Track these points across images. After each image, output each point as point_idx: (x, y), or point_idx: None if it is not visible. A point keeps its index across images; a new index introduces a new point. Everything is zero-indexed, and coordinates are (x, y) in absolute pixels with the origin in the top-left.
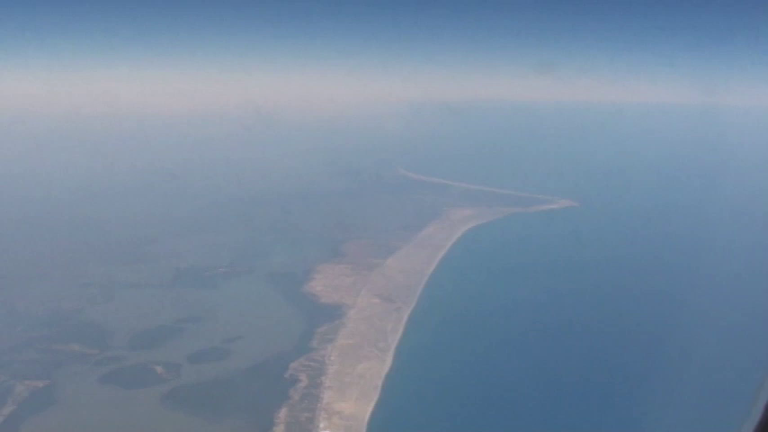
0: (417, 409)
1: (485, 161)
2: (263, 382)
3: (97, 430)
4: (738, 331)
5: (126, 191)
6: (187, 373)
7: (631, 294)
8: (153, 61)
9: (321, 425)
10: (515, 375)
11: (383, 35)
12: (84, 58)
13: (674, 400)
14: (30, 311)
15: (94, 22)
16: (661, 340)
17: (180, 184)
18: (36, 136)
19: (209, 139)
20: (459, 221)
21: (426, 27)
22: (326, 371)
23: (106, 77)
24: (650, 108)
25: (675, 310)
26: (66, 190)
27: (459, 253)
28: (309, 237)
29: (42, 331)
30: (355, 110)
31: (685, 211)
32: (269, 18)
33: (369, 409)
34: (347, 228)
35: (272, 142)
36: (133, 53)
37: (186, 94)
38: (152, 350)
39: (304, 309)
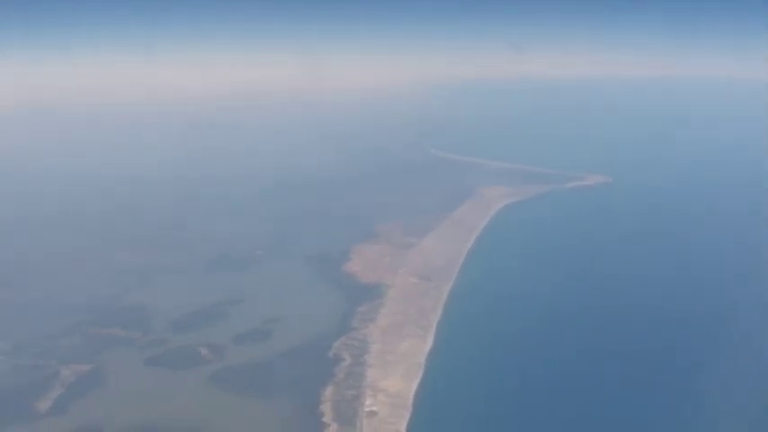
0: (461, 386)
1: (515, 139)
2: (307, 362)
3: (146, 411)
4: None
5: (158, 177)
6: (232, 355)
7: (669, 271)
8: (177, 48)
9: (367, 402)
10: (556, 352)
11: (411, 14)
12: (108, 44)
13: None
14: (70, 298)
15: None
16: (700, 317)
17: (210, 170)
18: (64, 126)
19: (238, 125)
20: (493, 200)
21: (454, 4)
22: (369, 349)
23: (132, 63)
24: (684, 81)
25: (713, 285)
26: (98, 179)
27: (495, 231)
28: (344, 218)
29: (84, 317)
30: (383, 91)
31: (719, 184)
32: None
33: (413, 387)
34: (381, 209)
35: (301, 127)
36: (161, 38)
37: (214, 79)
38: (195, 333)
39: (343, 289)
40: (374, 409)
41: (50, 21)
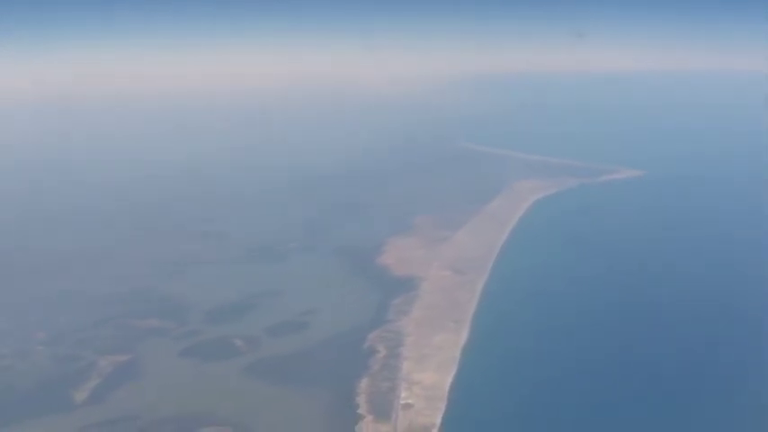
0: (496, 380)
1: (546, 132)
2: (341, 354)
3: (182, 402)
4: None
5: (190, 170)
6: (266, 346)
7: (709, 265)
8: (208, 41)
9: (402, 394)
10: (591, 346)
11: (440, 6)
12: (139, 38)
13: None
14: (106, 290)
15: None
16: (737, 315)
17: (243, 162)
18: (92, 119)
19: (270, 119)
20: (525, 193)
21: None
22: (404, 342)
23: (158, 56)
24: (717, 76)
25: (749, 280)
26: (131, 171)
27: (528, 225)
28: (377, 211)
29: (120, 308)
30: (413, 84)
31: (752, 177)
32: None
33: (448, 380)
34: (414, 202)
35: (334, 120)
36: (189, 30)
37: (249, 72)
38: (229, 324)
39: (377, 281)
40: (409, 401)
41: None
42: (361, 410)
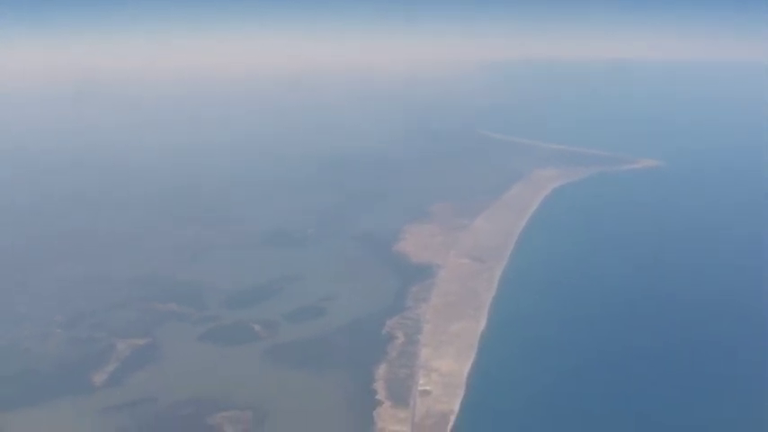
0: (514, 368)
1: (564, 121)
2: (360, 340)
3: (200, 386)
4: None
5: (210, 156)
6: (285, 331)
7: (722, 257)
8: (227, 26)
9: (420, 381)
10: (609, 334)
11: None
12: (152, 24)
13: None
14: (126, 273)
15: None
16: (754, 307)
17: (263, 149)
18: (113, 104)
19: (289, 106)
20: (543, 181)
21: None
22: (422, 329)
23: (178, 42)
24: (739, 65)
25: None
26: (151, 156)
27: (546, 213)
28: (394, 198)
29: (139, 292)
30: (431, 72)
31: None
32: None
33: (466, 368)
34: (432, 189)
35: (352, 107)
36: (207, 17)
37: (267, 57)
38: (248, 309)
39: (395, 268)
40: (427, 388)
41: None
42: (379, 396)
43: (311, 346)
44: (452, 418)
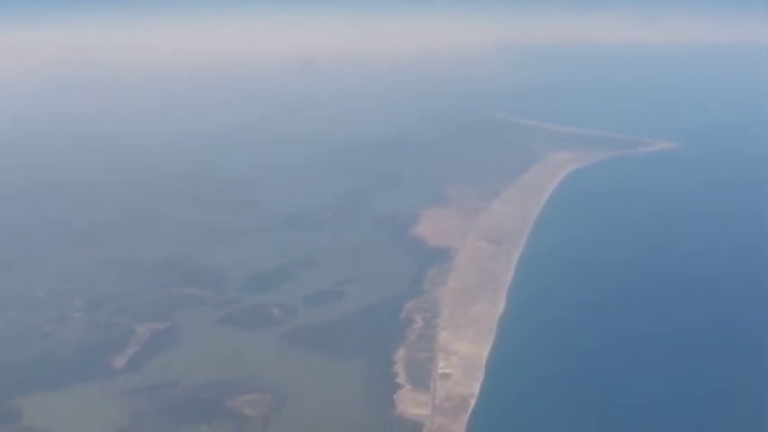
0: (533, 351)
1: (580, 103)
2: (379, 323)
3: (220, 369)
4: None
5: (227, 139)
6: (303, 315)
7: (741, 240)
8: (247, 9)
9: (440, 364)
10: (628, 317)
11: None
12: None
13: None
14: (144, 257)
15: None
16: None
17: (280, 131)
18: (129, 87)
19: (306, 87)
20: (560, 164)
21: None
22: (440, 313)
23: (196, 24)
24: (751, 48)
25: None
26: (168, 140)
27: (563, 196)
28: (411, 182)
29: (157, 276)
30: (448, 55)
31: None
32: None
33: (485, 351)
34: (448, 172)
35: (367, 91)
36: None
37: (281, 40)
38: (267, 293)
39: (413, 252)
40: (447, 371)
41: None
42: (399, 380)
43: (330, 329)
44: (473, 402)
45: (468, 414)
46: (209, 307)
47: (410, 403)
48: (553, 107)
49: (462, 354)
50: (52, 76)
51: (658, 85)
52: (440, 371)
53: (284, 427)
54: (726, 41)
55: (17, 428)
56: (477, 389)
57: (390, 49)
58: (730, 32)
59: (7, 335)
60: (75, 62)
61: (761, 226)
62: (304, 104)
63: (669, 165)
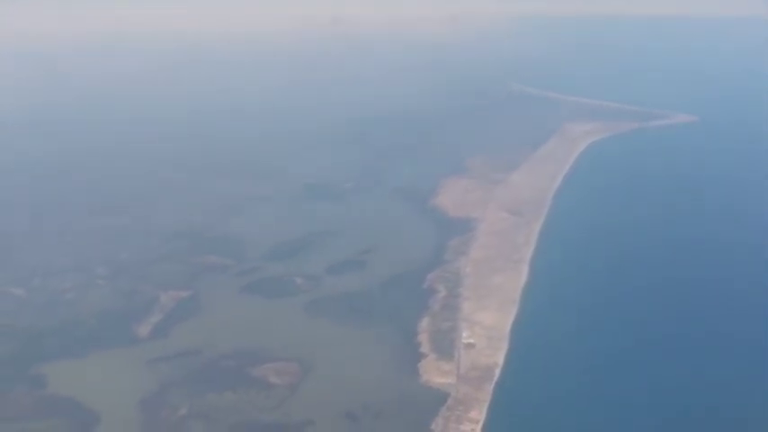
0: (557, 322)
1: (597, 76)
2: (402, 293)
3: (244, 338)
4: None
5: (247, 110)
6: (327, 284)
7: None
8: None
9: (464, 334)
10: (648, 286)
11: None
12: None
13: None
14: (165, 227)
15: None
16: None
17: (298, 102)
18: (153, 55)
19: (325, 59)
20: (578, 136)
21: None
22: (463, 282)
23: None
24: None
25: None
26: (188, 111)
27: (582, 168)
28: (430, 153)
29: (179, 244)
30: (463, 25)
31: None
32: None
33: (509, 320)
34: (467, 144)
35: (385, 63)
36: None
37: (299, 13)
38: (289, 261)
39: (433, 222)
40: (471, 341)
41: None
42: (423, 349)
43: (353, 299)
44: (497, 371)
45: (493, 383)
46: (231, 275)
47: (435, 372)
48: (571, 79)
49: (486, 324)
50: (73, 45)
51: (673, 58)
52: (464, 340)
53: (310, 396)
54: (743, 15)
55: (43, 395)
56: (501, 359)
57: (404, 20)
58: (746, 6)
59: (32, 302)
60: (107, 30)
61: None
62: (319, 77)
63: (690, 137)
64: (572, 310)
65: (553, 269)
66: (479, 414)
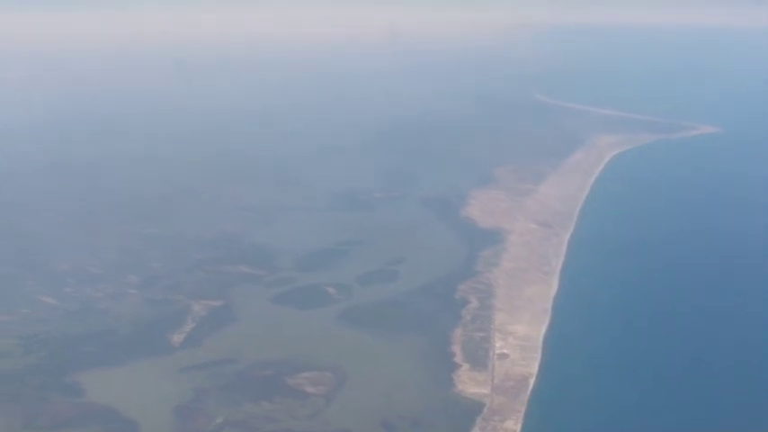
0: (589, 332)
1: (622, 86)
2: (434, 303)
3: (279, 347)
4: None
5: (273, 118)
6: (359, 294)
7: None
8: None
9: (497, 344)
10: (679, 297)
11: None
12: None
13: None
14: (195, 235)
15: None
16: None
17: (326, 111)
18: (184, 64)
19: (351, 68)
20: (604, 147)
21: None
22: (495, 293)
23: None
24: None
25: None
26: (214, 117)
27: (609, 179)
28: (458, 163)
29: (209, 254)
30: (488, 36)
31: None
32: None
33: (542, 331)
34: (493, 154)
35: (409, 72)
36: None
37: (328, 22)
38: (320, 271)
39: (463, 233)
40: (505, 351)
41: None
42: (456, 359)
43: (386, 308)
44: (532, 381)
45: (528, 393)
46: (263, 285)
47: (469, 382)
48: (593, 90)
49: (519, 334)
50: (107, 53)
51: (694, 69)
52: (497, 351)
53: (345, 405)
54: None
55: (79, 403)
56: (535, 368)
57: (425, 32)
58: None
59: (65, 310)
60: (130, 40)
61: None
62: (342, 86)
63: (715, 148)
64: (603, 319)
65: (583, 280)
66: (515, 424)
